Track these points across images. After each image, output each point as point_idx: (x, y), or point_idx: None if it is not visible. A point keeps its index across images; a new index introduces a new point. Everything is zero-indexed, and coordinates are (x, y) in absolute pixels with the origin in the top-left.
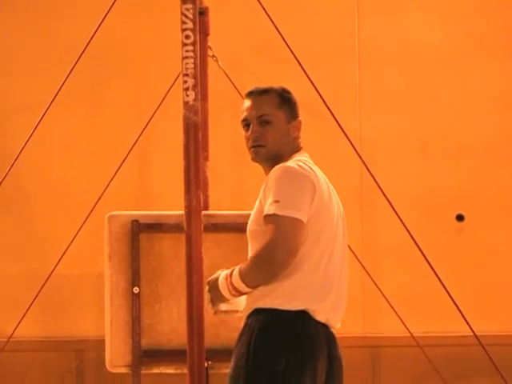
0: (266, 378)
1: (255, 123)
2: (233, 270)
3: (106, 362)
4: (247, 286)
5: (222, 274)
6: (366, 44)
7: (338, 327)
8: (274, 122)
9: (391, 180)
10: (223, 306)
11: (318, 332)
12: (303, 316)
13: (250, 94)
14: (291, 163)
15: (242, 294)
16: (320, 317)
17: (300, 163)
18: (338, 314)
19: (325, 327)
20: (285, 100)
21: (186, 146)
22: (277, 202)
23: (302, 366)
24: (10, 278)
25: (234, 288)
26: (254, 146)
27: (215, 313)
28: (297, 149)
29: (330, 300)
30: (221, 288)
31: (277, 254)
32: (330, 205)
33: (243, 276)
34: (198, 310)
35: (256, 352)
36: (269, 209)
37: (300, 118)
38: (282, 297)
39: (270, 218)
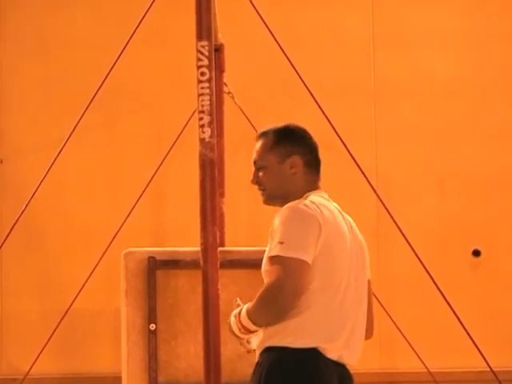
0: None
1: (254, 168)
2: (241, 309)
3: None
4: (254, 324)
5: (233, 313)
6: (381, 79)
7: (355, 364)
8: (266, 166)
9: (407, 215)
10: (254, 345)
11: (328, 370)
12: (314, 354)
13: (256, 138)
14: (296, 203)
15: (251, 332)
16: (332, 354)
17: (306, 201)
18: (353, 351)
19: (337, 365)
20: (279, 140)
21: (202, 183)
22: (281, 243)
23: None
24: (27, 315)
25: (243, 327)
26: (259, 190)
27: (248, 352)
28: (310, 186)
29: (343, 338)
30: (232, 326)
31: (279, 296)
32: (342, 242)
33: (250, 315)
34: (215, 346)
35: None
36: (273, 250)
37: (295, 156)
38: (292, 335)
39: (274, 260)
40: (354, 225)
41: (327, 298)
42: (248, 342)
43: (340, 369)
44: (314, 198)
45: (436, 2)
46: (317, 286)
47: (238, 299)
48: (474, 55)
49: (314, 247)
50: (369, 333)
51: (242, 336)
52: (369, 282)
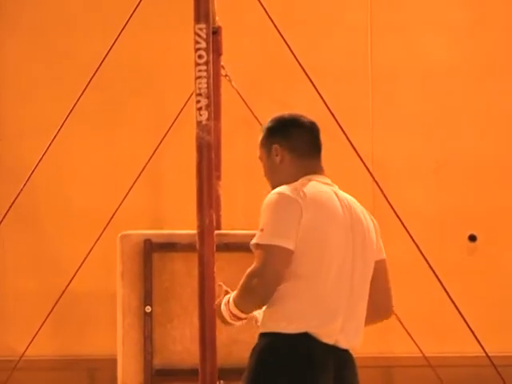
0: None
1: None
2: (229, 298)
3: (118, 381)
4: (242, 312)
5: (223, 301)
6: (379, 65)
7: (356, 347)
8: (262, 160)
9: (404, 200)
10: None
11: (322, 354)
12: (305, 338)
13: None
14: (279, 188)
15: (241, 319)
16: (327, 339)
17: (290, 186)
18: (351, 336)
19: (335, 349)
20: (267, 133)
21: (199, 166)
22: (261, 230)
23: None
24: (23, 296)
25: (234, 315)
26: None
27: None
28: (304, 171)
29: (338, 322)
30: (223, 314)
31: (257, 285)
32: (332, 224)
33: (236, 304)
34: (211, 329)
35: (256, 376)
36: (255, 237)
37: (276, 144)
38: (284, 320)
39: (253, 247)
40: (356, 207)
41: (317, 283)
42: (256, 321)
43: (339, 353)
44: (303, 181)
45: None
46: (304, 270)
47: (221, 284)
48: (472, 42)
49: (296, 231)
50: (387, 312)
51: (234, 323)
52: (383, 261)
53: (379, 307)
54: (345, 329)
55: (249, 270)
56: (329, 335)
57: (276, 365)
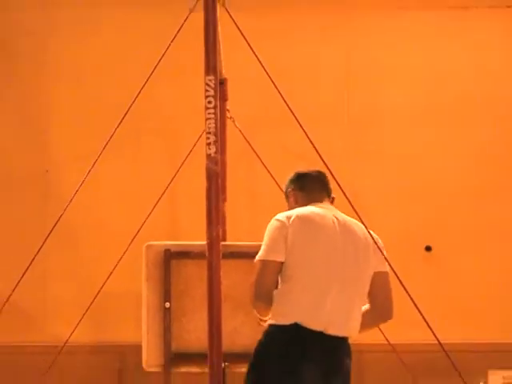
0: (252, 379)
1: None
2: None
3: (142, 363)
4: (260, 315)
5: None
6: (355, 107)
7: (348, 335)
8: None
9: (375, 220)
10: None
11: (308, 338)
12: (294, 327)
13: None
14: (277, 215)
15: (264, 320)
16: (315, 327)
17: (285, 212)
18: (340, 326)
19: (322, 334)
20: (286, 185)
21: (208, 190)
22: (261, 250)
23: (280, 368)
24: (67, 296)
25: (260, 319)
26: None
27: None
28: (306, 202)
29: (324, 314)
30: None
31: (255, 292)
32: (319, 239)
33: (255, 311)
34: (217, 323)
35: (256, 352)
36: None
37: (290, 189)
38: (279, 315)
39: (255, 262)
40: (352, 225)
41: (304, 283)
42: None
43: (328, 338)
44: (298, 209)
45: (404, 42)
46: (294, 273)
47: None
48: (443, 83)
49: (283, 246)
50: (388, 315)
51: (263, 324)
52: (384, 273)
53: (381, 311)
54: (332, 320)
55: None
56: (316, 324)
57: (270, 345)
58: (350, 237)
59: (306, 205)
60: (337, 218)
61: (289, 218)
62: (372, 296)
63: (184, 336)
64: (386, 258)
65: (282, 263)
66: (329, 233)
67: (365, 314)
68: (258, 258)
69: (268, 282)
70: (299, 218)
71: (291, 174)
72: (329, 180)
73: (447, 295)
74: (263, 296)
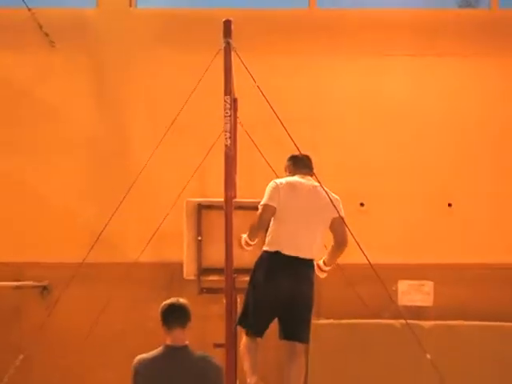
0: (250, 284)
1: None
2: (245, 235)
3: (184, 274)
4: (250, 239)
5: (243, 236)
6: (321, 125)
7: (312, 257)
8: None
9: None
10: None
11: (285, 259)
12: (277, 252)
13: None
14: (274, 180)
15: (249, 245)
16: (290, 253)
17: (280, 179)
18: (306, 251)
19: (295, 258)
20: (287, 161)
21: (226, 166)
22: (263, 200)
23: (265, 279)
24: (138, 231)
25: (246, 242)
26: None
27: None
28: (294, 173)
29: (294, 245)
30: (243, 242)
31: (256, 222)
32: (296, 196)
33: (247, 235)
34: (230, 250)
35: (252, 272)
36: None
37: (287, 163)
38: (269, 244)
39: (259, 206)
40: (319, 189)
41: (285, 224)
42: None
43: (299, 260)
44: (287, 177)
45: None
46: (279, 217)
47: (242, 235)
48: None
49: (277, 198)
50: (345, 244)
51: (246, 247)
52: (339, 217)
53: (340, 241)
54: (301, 248)
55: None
56: (290, 251)
57: (260, 262)
58: (317, 196)
59: (294, 175)
60: (312, 185)
61: (281, 182)
62: (333, 232)
63: (209, 257)
64: (340, 208)
65: (275, 208)
66: (303, 193)
67: (332, 248)
68: (261, 203)
69: (267, 217)
70: (287, 182)
71: (289, 155)
72: (311, 161)
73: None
74: (262, 226)
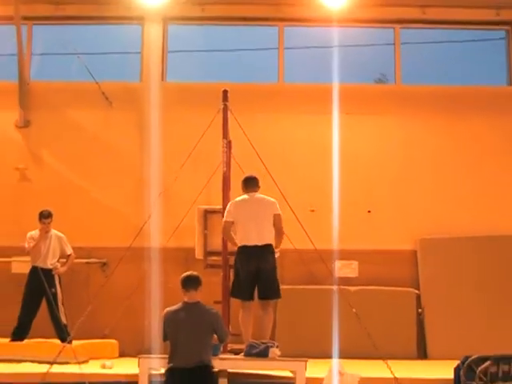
0: (234, 268)
1: None
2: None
3: (195, 255)
4: (231, 243)
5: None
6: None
7: (269, 242)
8: None
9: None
10: None
11: (249, 249)
12: (244, 245)
13: None
14: (232, 201)
15: (236, 244)
16: (251, 243)
17: (233, 200)
18: (261, 239)
19: (256, 246)
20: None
21: (223, 185)
22: (224, 217)
23: (241, 264)
24: (162, 225)
25: (234, 244)
26: None
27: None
28: (245, 192)
29: (253, 238)
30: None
31: (223, 235)
32: (247, 208)
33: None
34: (225, 240)
35: (234, 262)
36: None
37: (242, 185)
38: (239, 241)
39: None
40: (262, 199)
41: (243, 227)
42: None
43: (258, 247)
44: (240, 197)
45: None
46: (237, 224)
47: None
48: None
49: (233, 214)
50: (281, 232)
51: (234, 247)
52: (277, 215)
53: (277, 230)
54: (258, 238)
55: None
56: (250, 243)
57: (237, 254)
58: (261, 203)
59: (244, 193)
60: (255, 198)
61: (232, 203)
62: (274, 225)
63: (212, 244)
64: (276, 208)
65: (232, 221)
66: (250, 204)
67: (274, 236)
68: (223, 220)
69: (227, 230)
70: (236, 202)
71: (243, 178)
72: (257, 180)
73: None
74: (226, 235)
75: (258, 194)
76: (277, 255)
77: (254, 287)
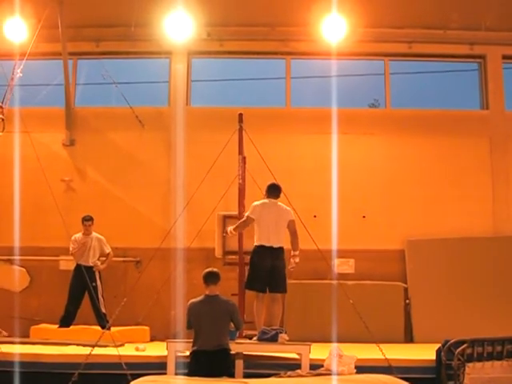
0: (250, 264)
1: None
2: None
3: (215, 254)
4: (235, 230)
5: (229, 229)
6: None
7: (281, 245)
8: None
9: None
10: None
11: (265, 249)
12: (261, 245)
13: None
14: (256, 202)
15: (232, 233)
16: (268, 244)
17: (258, 201)
18: (277, 242)
19: (271, 247)
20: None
21: (239, 195)
22: (248, 212)
23: (258, 261)
24: (187, 229)
25: (230, 231)
26: None
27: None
28: (268, 197)
29: (270, 239)
30: (231, 230)
31: (240, 224)
32: (268, 212)
33: (234, 227)
34: (241, 240)
35: (250, 258)
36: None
37: (265, 191)
38: (257, 241)
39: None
40: (280, 206)
41: (263, 227)
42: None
43: (273, 249)
44: (262, 200)
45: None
46: (259, 224)
47: (228, 227)
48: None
49: (256, 213)
50: (295, 235)
51: (231, 234)
52: (292, 221)
53: (292, 233)
54: (273, 240)
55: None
56: (268, 243)
57: (254, 251)
58: (279, 210)
59: (266, 198)
60: (276, 204)
61: (257, 204)
62: (289, 229)
63: (229, 244)
64: (292, 215)
65: (254, 219)
66: (271, 209)
67: (291, 240)
68: (246, 214)
69: (248, 223)
70: (261, 204)
71: (267, 184)
72: (280, 188)
73: None
74: (244, 226)
75: (278, 202)
76: (297, 260)
77: (268, 282)
